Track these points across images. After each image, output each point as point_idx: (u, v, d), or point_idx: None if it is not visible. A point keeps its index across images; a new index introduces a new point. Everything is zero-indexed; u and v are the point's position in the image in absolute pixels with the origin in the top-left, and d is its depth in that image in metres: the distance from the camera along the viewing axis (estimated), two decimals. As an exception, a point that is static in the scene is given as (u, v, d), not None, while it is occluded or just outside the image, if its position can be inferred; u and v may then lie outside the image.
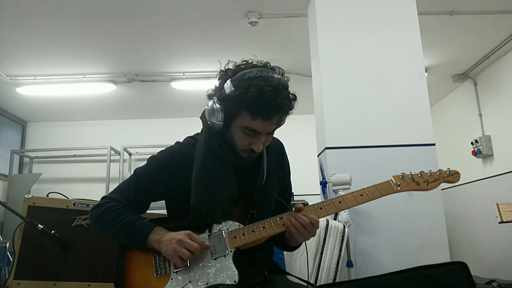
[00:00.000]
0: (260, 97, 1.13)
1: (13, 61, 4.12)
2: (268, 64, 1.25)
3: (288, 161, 1.45)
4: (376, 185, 1.27)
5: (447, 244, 2.52)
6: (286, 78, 1.25)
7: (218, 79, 1.25)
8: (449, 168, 1.30)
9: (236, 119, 1.19)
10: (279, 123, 1.23)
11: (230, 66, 1.25)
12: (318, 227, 1.24)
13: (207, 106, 1.24)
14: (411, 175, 1.28)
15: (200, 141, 1.30)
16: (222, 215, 1.23)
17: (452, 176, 1.29)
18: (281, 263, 1.79)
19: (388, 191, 1.26)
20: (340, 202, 1.25)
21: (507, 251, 3.95)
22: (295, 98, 1.23)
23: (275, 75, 1.19)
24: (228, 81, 1.19)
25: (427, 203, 2.53)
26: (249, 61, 1.24)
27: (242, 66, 1.23)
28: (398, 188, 1.26)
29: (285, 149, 1.45)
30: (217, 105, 1.20)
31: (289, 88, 1.22)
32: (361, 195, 1.26)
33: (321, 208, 1.25)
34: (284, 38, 3.78)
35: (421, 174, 1.28)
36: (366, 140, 2.63)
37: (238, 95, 1.15)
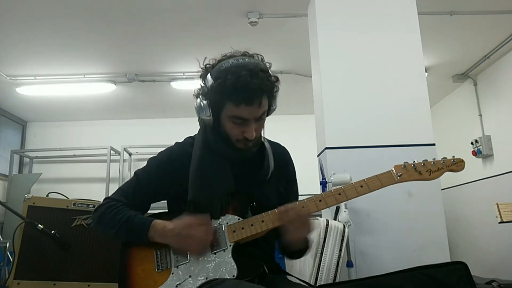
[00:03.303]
0: (237, 82, 1.14)
1: (13, 61, 4.12)
2: (247, 53, 1.25)
3: (293, 169, 1.43)
4: (376, 175, 1.22)
5: (447, 244, 2.52)
6: (268, 64, 1.26)
7: (200, 77, 1.27)
8: (453, 156, 1.25)
9: (223, 110, 1.20)
10: (266, 106, 1.22)
11: (210, 62, 1.26)
12: (311, 226, 1.21)
13: (195, 105, 1.25)
14: (414, 165, 1.23)
15: (197, 139, 1.33)
16: (220, 209, 1.23)
17: (456, 165, 1.23)
18: (281, 263, 1.79)
19: (389, 181, 1.21)
20: (339, 194, 1.22)
21: (507, 251, 3.95)
22: (277, 79, 1.24)
23: (252, 60, 1.19)
24: (208, 75, 1.21)
25: (427, 203, 2.53)
26: (228, 54, 1.25)
27: (221, 59, 1.24)
28: (399, 178, 1.21)
29: (291, 157, 1.44)
30: (203, 102, 1.22)
31: (269, 71, 1.22)
32: (361, 186, 1.21)
33: (320, 201, 1.22)
34: (284, 38, 3.78)
35: (423, 163, 1.23)
36: (366, 140, 2.63)
37: (218, 86, 1.17)
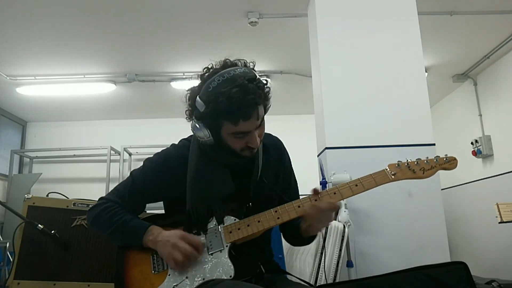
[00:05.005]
0: (231, 103, 1.11)
1: (13, 61, 4.12)
2: (228, 61, 1.22)
3: (289, 158, 1.44)
4: (371, 174, 1.23)
5: (447, 244, 2.52)
6: (251, 64, 1.24)
7: (189, 99, 1.25)
8: (446, 155, 1.27)
9: (222, 130, 1.19)
10: (263, 112, 1.22)
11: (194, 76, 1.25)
12: (332, 217, 1.22)
13: (191, 128, 1.24)
14: (407, 163, 1.24)
15: (193, 146, 1.32)
16: (223, 215, 1.23)
17: (449, 163, 1.24)
18: (281, 263, 1.79)
19: (383, 180, 1.22)
20: (334, 193, 1.22)
21: (507, 251, 3.95)
22: (265, 83, 1.21)
23: (237, 71, 1.16)
24: (198, 99, 1.19)
25: (427, 203, 2.53)
26: (209, 67, 1.23)
27: (205, 76, 1.21)
28: (393, 177, 1.23)
29: (285, 146, 1.44)
30: (199, 124, 1.20)
31: (257, 76, 1.18)
32: (356, 185, 1.22)
33: (316, 201, 1.22)
34: (284, 38, 3.78)
35: (417, 162, 1.24)
36: (366, 140, 2.63)
37: (211, 110, 1.15)
